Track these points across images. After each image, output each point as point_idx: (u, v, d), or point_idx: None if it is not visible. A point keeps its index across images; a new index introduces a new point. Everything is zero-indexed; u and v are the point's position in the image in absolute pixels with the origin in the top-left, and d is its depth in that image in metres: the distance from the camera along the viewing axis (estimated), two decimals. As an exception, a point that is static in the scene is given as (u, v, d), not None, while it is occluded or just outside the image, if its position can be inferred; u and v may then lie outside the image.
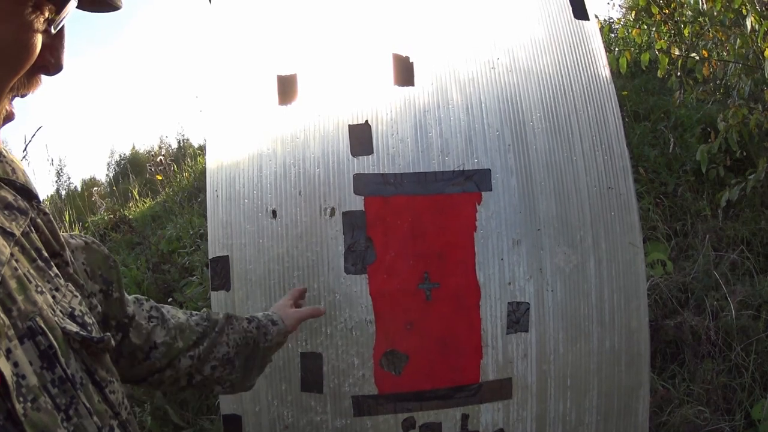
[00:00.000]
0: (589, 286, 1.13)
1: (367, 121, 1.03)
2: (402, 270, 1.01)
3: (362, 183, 1.00)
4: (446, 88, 1.10)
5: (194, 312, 0.73)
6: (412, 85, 1.08)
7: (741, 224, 2.02)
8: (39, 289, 0.44)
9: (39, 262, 0.46)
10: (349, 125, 1.02)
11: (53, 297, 0.45)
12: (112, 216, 3.09)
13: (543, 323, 1.09)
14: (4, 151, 0.48)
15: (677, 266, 1.82)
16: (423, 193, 1.02)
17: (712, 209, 2.06)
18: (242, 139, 1.01)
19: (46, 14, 0.37)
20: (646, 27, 2.15)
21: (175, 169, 3.59)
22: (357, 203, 1.00)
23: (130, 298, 0.66)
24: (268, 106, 1.02)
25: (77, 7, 0.40)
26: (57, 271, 0.48)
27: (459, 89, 1.11)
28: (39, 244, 0.47)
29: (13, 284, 0.41)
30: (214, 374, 0.71)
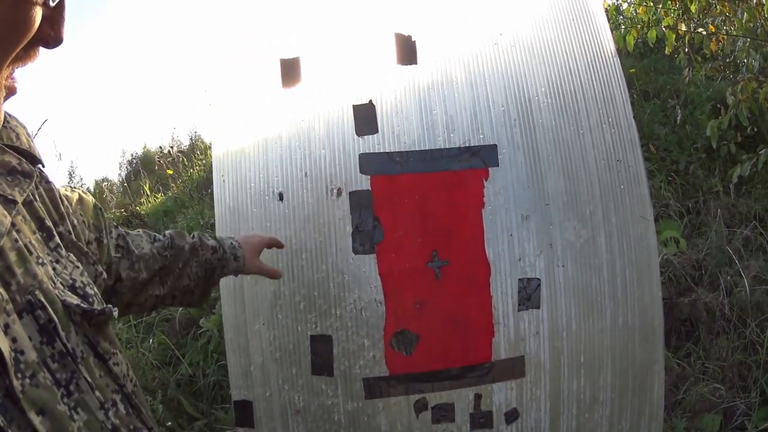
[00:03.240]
0: (600, 260, 1.12)
1: (371, 100, 1.03)
2: (410, 249, 1.00)
3: (368, 162, 0.99)
4: (449, 65, 1.09)
5: (158, 237, 0.72)
6: (416, 63, 1.07)
7: (753, 200, 1.98)
8: (40, 260, 0.43)
9: (41, 232, 0.45)
10: (353, 105, 1.01)
11: (54, 269, 0.44)
12: (123, 211, 3.12)
13: (554, 299, 1.08)
14: (8, 117, 0.48)
15: (690, 244, 1.80)
16: (429, 171, 1.01)
17: (724, 186, 2.02)
18: (247, 124, 1.01)
19: None
20: (652, 4, 2.11)
21: (185, 162, 3.62)
22: (363, 183, 0.99)
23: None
24: (272, 89, 1.02)
25: None
26: (59, 242, 0.47)
27: (462, 66, 1.09)
28: (42, 213, 0.46)
29: (12, 257, 0.40)
30: (173, 303, 0.74)
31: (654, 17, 2.10)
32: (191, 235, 0.76)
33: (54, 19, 0.39)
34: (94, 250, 0.58)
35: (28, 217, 0.44)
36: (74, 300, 0.44)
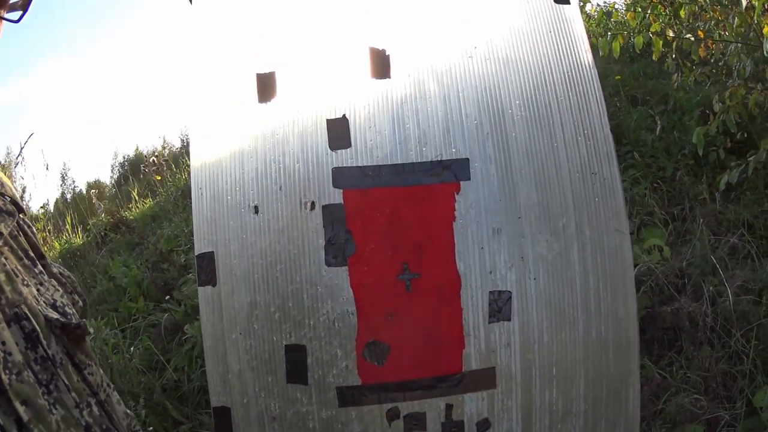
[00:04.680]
0: (573, 273, 1.13)
1: (344, 115, 1.05)
2: (381, 261, 1.02)
3: (341, 176, 1.01)
4: (423, 79, 1.10)
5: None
6: (389, 77, 1.08)
7: (743, 207, 1.97)
8: (25, 282, 0.50)
9: (26, 260, 0.53)
10: (327, 120, 1.03)
11: (38, 290, 0.52)
12: (110, 218, 3.18)
13: (526, 312, 1.09)
14: None
15: (674, 252, 1.80)
16: (401, 185, 1.03)
17: (710, 193, 2.02)
18: (224, 138, 1.03)
19: None
20: (640, 10, 2.10)
21: (174, 168, 3.66)
22: (336, 196, 1.01)
23: None
24: (249, 103, 1.04)
25: None
26: (42, 269, 0.55)
27: (436, 80, 1.11)
28: (26, 246, 0.54)
29: (2, 277, 0.47)
30: None
31: (642, 23, 2.08)
32: None
33: None
34: None
35: (15, 246, 0.52)
36: (54, 315, 0.51)
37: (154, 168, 3.69)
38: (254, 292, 1.01)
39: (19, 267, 0.51)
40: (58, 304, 0.53)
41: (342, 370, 1.04)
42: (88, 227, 3.21)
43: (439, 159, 1.05)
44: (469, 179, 1.06)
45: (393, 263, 1.02)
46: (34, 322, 0.48)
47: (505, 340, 1.09)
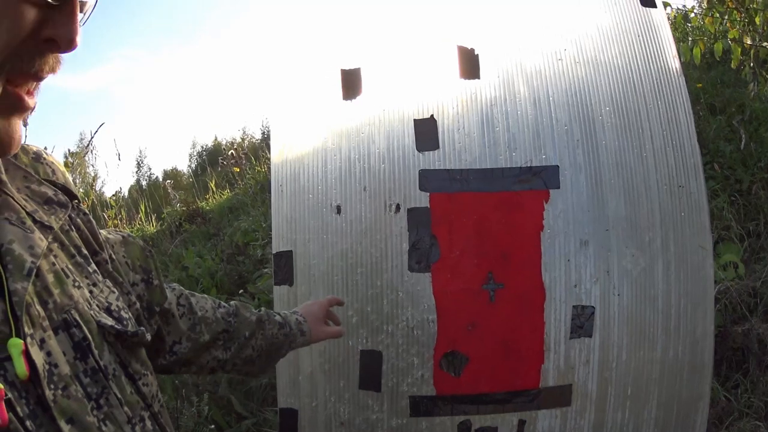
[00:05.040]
0: (656, 290, 1.09)
1: (432, 115, 1.00)
2: (466, 269, 0.98)
3: (428, 179, 0.97)
4: (512, 80, 1.06)
5: (223, 304, 0.73)
6: (478, 78, 1.04)
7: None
8: (76, 283, 0.45)
9: (78, 258, 0.47)
10: (415, 120, 0.99)
11: (90, 292, 0.47)
12: (185, 208, 3.14)
13: (607, 328, 1.05)
14: (44, 154, 0.50)
15: (748, 269, 1.72)
16: (489, 190, 0.99)
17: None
18: (307, 134, 1.00)
19: None
20: (718, 15, 2.01)
21: (253, 160, 3.58)
22: (422, 200, 0.97)
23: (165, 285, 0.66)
24: (333, 100, 1.00)
25: None
26: (96, 268, 0.49)
27: (525, 82, 1.06)
28: (78, 242, 0.49)
29: (50, 278, 0.43)
30: (233, 370, 0.74)
31: (720, 28, 1.99)
32: (257, 308, 0.77)
33: (60, 21, 0.35)
34: (141, 290, 0.60)
35: (66, 242, 0.47)
36: (108, 321, 0.46)
37: (232, 161, 3.64)
38: (332, 294, 0.97)
39: (70, 266, 0.46)
40: (113, 307, 0.48)
41: (417, 379, 1.00)
42: (162, 216, 3.15)
43: (528, 165, 1.01)
44: (559, 187, 1.02)
45: (478, 272, 0.98)
46: (86, 330, 0.43)
47: (585, 357, 1.05)
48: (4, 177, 0.43)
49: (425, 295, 0.98)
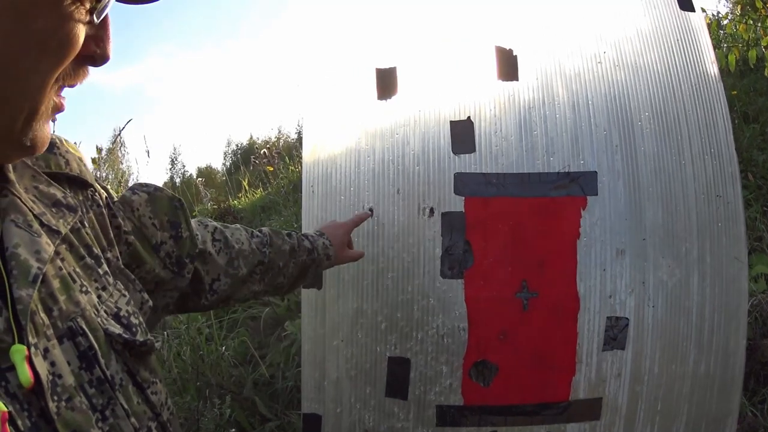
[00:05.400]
0: (690, 303, 1.05)
1: (469, 117, 0.97)
2: (500, 277, 0.95)
3: (463, 183, 0.94)
4: (551, 83, 1.02)
5: (256, 233, 0.73)
6: (516, 79, 1.01)
7: None
8: (84, 288, 0.43)
9: (88, 259, 0.45)
10: (451, 121, 0.96)
11: (99, 297, 0.44)
12: (216, 206, 3.12)
13: (641, 341, 1.02)
14: (58, 142, 0.48)
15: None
16: (525, 196, 0.96)
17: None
18: (340, 134, 0.97)
19: (87, 5, 0.35)
20: (752, 22, 1.96)
21: (287, 159, 3.53)
22: (457, 204, 0.94)
23: (194, 223, 0.64)
24: (367, 99, 0.97)
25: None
26: (107, 269, 0.47)
27: (564, 85, 1.03)
28: (89, 240, 0.46)
29: (56, 284, 0.40)
30: (264, 295, 0.76)
31: (754, 35, 1.95)
32: (287, 235, 0.77)
33: (99, 36, 0.39)
34: (170, 248, 0.58)
35: (76, 243, 0.45)
36: (116, 329, 0.44)
37: (265, 160, 3.62)
38: (361, 299, 0.95)
39: (79, 269, 0.44)
40: (122, 313, 0.46)
41: (445, 388, 0.98)
42: (194, 214, 3.14)
43: (566, 170, 0.98)
44: (597, 194, 0.98)
45: (512, 279, 0.95)
46: (92, 338, 0.41)
47: (617, 370, 1.02)
48: (12, 176, 0.41)
49: (457, 302, 0.95)
